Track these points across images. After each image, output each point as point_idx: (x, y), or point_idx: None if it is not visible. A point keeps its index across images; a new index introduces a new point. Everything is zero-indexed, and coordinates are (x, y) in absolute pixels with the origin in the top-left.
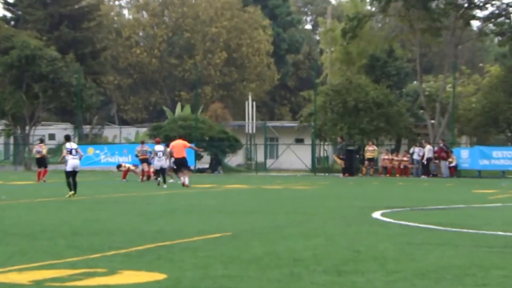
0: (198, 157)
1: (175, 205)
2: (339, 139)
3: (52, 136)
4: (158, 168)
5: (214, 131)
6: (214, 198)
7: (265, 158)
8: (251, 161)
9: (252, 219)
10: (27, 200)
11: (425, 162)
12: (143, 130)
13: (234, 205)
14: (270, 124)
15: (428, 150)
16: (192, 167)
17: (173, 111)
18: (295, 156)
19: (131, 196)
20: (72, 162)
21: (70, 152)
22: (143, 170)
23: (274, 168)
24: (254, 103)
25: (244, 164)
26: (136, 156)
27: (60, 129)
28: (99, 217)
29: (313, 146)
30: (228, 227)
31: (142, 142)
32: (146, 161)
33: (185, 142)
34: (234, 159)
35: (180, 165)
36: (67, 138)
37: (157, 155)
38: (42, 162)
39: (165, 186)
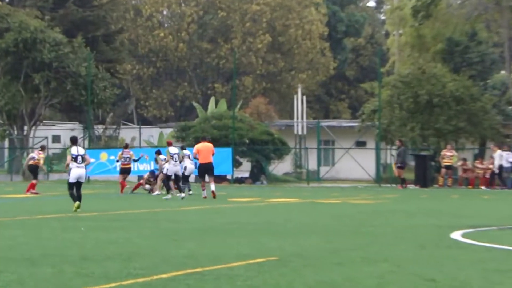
0: (236, 163)
1: (207, 224)
2: (397, 143)
3: (56, 138)
4: (171, 174)
5: (255, 132)
6: (256, 214)
7: (318, 165)
8: (301, 169)
9: (303, 241)
10: (26, 217)
11: (497, 171)
12: (168, 131)
13: (281, 223)
14: (325, 123)
15: (499, 156)
16: (228, 177)
17: (205, 107)
18: (355, 163)
19: (153, 212)
20: (76, 172)
21: (75, 159)
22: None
23: (330, 178)
24: (305, 97)
25: (293, 173)
26: (117, 161)
27: (66, 130)
28: (114, 238)
29: (378, 150)
30: (274, 251)
31: (126, 147)
32: (127, 172)
33: (212, 146)
34: (281, 167)
35: (205, 171)
36: (73, 141)
37: (172, 158)
38: (33, 171)
39: (182, 195)
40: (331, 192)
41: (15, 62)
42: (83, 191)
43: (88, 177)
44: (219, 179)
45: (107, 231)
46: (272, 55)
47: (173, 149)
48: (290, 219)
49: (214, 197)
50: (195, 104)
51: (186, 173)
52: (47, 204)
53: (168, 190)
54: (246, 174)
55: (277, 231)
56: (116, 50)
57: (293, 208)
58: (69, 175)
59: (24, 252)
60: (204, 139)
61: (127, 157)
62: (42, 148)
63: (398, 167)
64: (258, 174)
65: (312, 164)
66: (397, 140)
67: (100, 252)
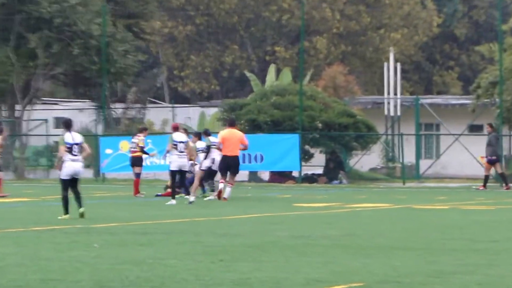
0: (305, 156)
1: (265, 238)
2: (487, 128)
3: (60, 122)
4: (175, 169)
5: (331, 113)
6: (333, 225)
7: (418, 157)
8: (394, 164)
9: (397, 261)
10: (19, 229)
11: None
12: (212, 111)
13: (367, 237)
14: (426, 100)
15: None
16: (295, 173)
17: (262, 79)
18: (469, 155)
19: (192, 222)
20: (70, 166)
21: (70, 149)
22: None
23: (433, 175)
24: (399, 65)
25: (383, 168)
26: (146, 152)
27: (74, 110)
28: (139, 257)
29: (499, 138)
30: (357, 274)
31: (141, 131)
32: (138, 162)
33: (242, 135)
34: (366, 160)
35: (228, 167)
36: (67, 125)
37: (176, 148)
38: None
39: (191, 199)
40: (436, 195)
41: (4, 17)
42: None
43: (103, 174)
44: (282, 176)
45: (129, 249)
46: (353, 7)
47: (179, 136)
48: (380, 232)
49: (220, 198)
50: (248, 74)
51: (213, 168)
52: (47, 211)
53: (174, 192)
54: (319, 171)
55: (362, 247)
56: (141, 1)
57: (384, 216)
58: (60, 170)
59: (17, 277)
60: (231, 124)
61: (134, 143)
62: (141, 130)
63: (489, 161)
64: (335, 170)
65: (409, 156)
66: (488, 125)
67: (120, 277)
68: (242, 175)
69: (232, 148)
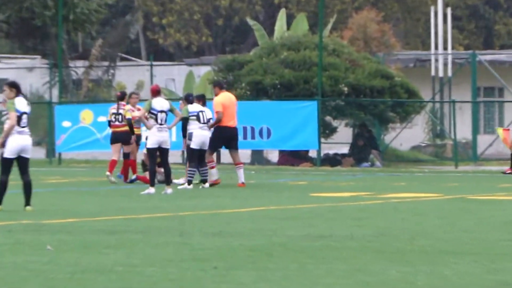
0: (326, 130)
1: (273, 238)
2: None
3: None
4: (153, 146)
5: (361, 74)
6: (361, 222)
7: (474, 132)
8: (443, 140)
9: (448, 269)
10: None
11: None
12: (203, 70)
13: (407, 237)
14: (486, 57)
15: None
16: (312, 153)
17: (270, 28)
18: None
19: (177, 217)
20: (18, 141)
21: (19, 119)
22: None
23: (495, 156)
24: (450, 11)
25: (429, 147)
26: (109, 124)
27: (20, 70)
28: (107, 263)
29: None
30: (395, 286)
31: (122, 98)
32: (122, 139)
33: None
34: (406, 136)
35: (229, 140)
36: (18, 88)
37: (157, 120)
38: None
39: (168, 191)
40: (498, 182)
41: None
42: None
43: (59, 154)
44: (295, 157)
45: (93, 252)
46: None
47: (160, 102)
48: (424, 231)
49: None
50: (251, 22)
51: (202, 147)
52: None
53: (153, 177)
54: (345, 150)
55: (400, 251)
56: None
57: (429, 210)
58: (3, 146)
59: None
60: (221, 86)
61: (119, 114)
62: (131, 95)
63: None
64: (365, 148)
65: (463, 131)
66: None
67: None
68: (243, 155)
69: (232, 116)
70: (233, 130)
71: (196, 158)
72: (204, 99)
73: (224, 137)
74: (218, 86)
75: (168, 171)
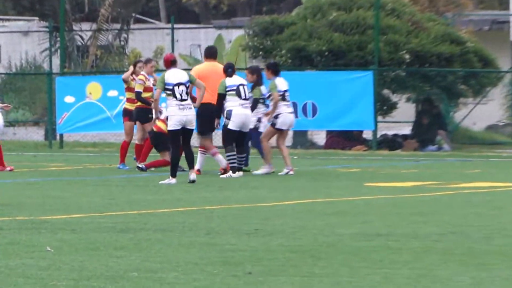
0: (383, 106)
1: (319, 236)
2: None
3: None
4: (176, 128)
5: (425, 38)
6: (427, 217)
7: None
8: None
9: None
10: None
11: None
12: (235, 34)
13: (482, 236)
14: None
15: None
16: (366, 134)
17: None
18: None
19: (200, 211)
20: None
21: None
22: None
23: None
24: None
25: (508, 126)
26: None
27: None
28: (117, 268)
29: None
30: None
31: (144, 62)
32: (145, 115)
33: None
34: (482, 113)
35: (207, 122)
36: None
37: (175, 96)
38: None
39: (191, 177)
40: None
41: None
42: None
43: (61, 136)
44: (346, 139)
45: (102, 255)
46: None
47: (174, 74)
48: (502, 228)
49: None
50: None
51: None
52: None
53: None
54: (406, 130)
55: (475, 252)
56: None
57: (509, 202)
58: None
59: None
60: (210, 54)
61: (140, 80)
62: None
63: None
64: (431, 128)
65: None
66: None
67: None
68: None
69: (214, 90)
70: (211, 109)
71: (234, 141)
72: (260, 73)
73: (207, 117)
74: (205, 53)
75: (191, 155)
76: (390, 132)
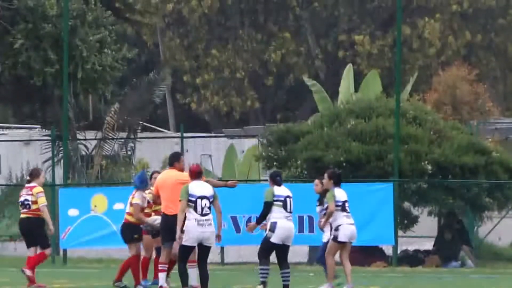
0: (405, 221)
1: None
2: None
3: None
4: (191, 244)
5: (449, 148)
6: None
7: None
8: None
9: None
10: None
11: None
12: (248, 143)
13: None
14: None
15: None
16: (386, 249)
17: (333, 89)
18: None
19: None
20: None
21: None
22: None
23: None
24: None
25: None
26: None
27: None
28: None
29: None
30: None
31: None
32: (131, 233)
33: (182, 175)
34: (507, 227)
35: (166, 234)
36: None
37: (196, 209)
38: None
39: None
40: None
41: None
42: None
43: (64, 251)
44: (365, 255)
45: None
46: None
47: (199, 186)
48: None
49: None
50: (308, 82)
51: (285, 242)
52: None
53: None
54: (428, 245)
55: None
56: None
57: None
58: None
59: None
60: (169, 162)
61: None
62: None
63: None
64: (454, 244)
65: None
66: None
67: None
68: (298, 253)
69: (172, 201)
70: (171, 221)
71: (270, 255)
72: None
73: (165, 228)
74: (171, 159)
75: (206, 276)
76: (411, 248)
